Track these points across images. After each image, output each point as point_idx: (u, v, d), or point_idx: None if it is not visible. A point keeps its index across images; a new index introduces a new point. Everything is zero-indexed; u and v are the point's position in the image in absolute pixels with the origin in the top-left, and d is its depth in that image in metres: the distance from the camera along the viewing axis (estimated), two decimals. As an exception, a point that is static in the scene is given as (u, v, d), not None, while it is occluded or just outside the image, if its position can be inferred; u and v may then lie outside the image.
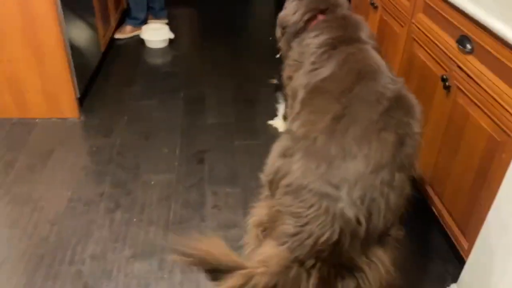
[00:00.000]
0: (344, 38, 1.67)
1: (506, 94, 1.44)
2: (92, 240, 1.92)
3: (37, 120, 2.64)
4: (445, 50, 1.77)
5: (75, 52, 2.60)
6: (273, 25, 2.11)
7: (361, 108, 1.36)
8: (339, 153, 1.24)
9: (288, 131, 1.50)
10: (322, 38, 1.71)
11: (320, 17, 1.83)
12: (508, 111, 1.43)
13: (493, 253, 1.40)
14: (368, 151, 1.24)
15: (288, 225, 1.23)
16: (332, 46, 1.65)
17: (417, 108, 1.42)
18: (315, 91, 1.54)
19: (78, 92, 2.65)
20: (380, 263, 1.28)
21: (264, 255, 1.26)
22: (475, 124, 1.60)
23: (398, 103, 1.38)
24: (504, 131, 1.46)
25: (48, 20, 2.39)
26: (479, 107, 1.58)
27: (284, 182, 1.29)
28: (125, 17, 3.78)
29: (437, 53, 1.84)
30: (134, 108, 2.80)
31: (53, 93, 2.60)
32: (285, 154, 1.37)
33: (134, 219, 2.02)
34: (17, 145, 2.45)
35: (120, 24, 3.74)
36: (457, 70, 1.70)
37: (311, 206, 1.19)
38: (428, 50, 1.91)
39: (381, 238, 1.28)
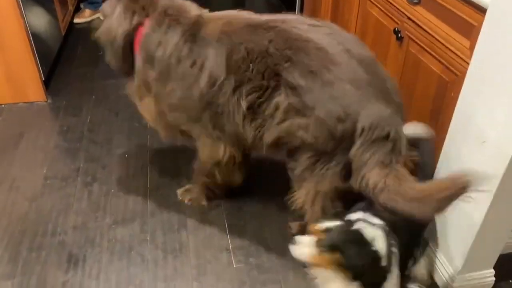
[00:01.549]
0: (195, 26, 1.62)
1: (452, 37, 1.57)
2: (72, 212, 1.96)
3: (3, 106, 2.63)
4: (395, 4, 1.89)
5: (36, 37, 2.59)
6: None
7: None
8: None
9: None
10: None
11: (147, 23, 1.66)
12: (454, 52, 1.56)
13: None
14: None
15: None
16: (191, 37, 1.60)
17: None
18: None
19: (43, 75, 2.65)
20: None
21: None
22: (426, 69, 1.73)
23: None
24: (452, 71, 1.59)
25: (6, 6, 2.38)
26: (429, 53, 1.71)
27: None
28: (81, 0, 3.74)
29: (388, 8, 1.96)
30: (100, 87, 2.82)
31: (18, 78, 2.59)
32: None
33: (112, 190, 2.08)
34: (-15, 131, 2.44)
35: (77, 8, 3.70)
36: (407, 21, 1.82)
37: None
38: (380, 6, 2.03)
39: None
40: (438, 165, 1.58)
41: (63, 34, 3.22)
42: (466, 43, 1.50)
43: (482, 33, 1.34)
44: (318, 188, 1.53)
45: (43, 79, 2.66)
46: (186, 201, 2.00)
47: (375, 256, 1.23)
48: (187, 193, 2.01)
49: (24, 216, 1.94)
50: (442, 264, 1.62)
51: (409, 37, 1.82)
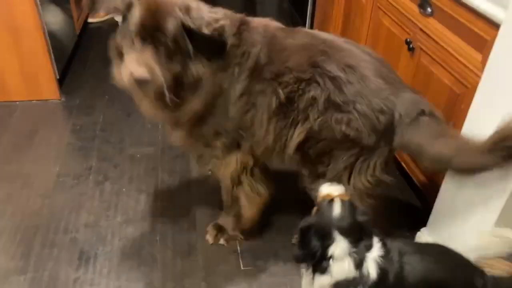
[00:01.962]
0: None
1: (464, 50, 1.59)
2: (84, 210, 2.00)
3: (17, 103, 2.67)
4: (407, 15, 1.92)
5: (51, 35, 2.64)
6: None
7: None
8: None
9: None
10: None
11: None
12: (465, 65, 1.59)
13: (455, 199, 1.57)
14: None
15: None
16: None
17: None
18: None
19: (57, 73, 2.69)
20: None
21: None
22: (437, 80, 1.76)
23: None
24: (463, 84, 1.61)
25: (25, 5, 2.43)
26: (440, 64, 1.74)
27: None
28: (96, 1, 3.80)
29: (400, 18, 1.98)
30: (113, 87, 2.78)
31: (33, 76, 2.64)
32: None
33: (124, 189, 2.11)
34: (0, 127, 2.48)
35: (92, 8, 3.76)
36: (419, 32, 1.84)
37: None
38: (392, 17, 2.05)
39: None
40: (448, 176, 1.60)
41: (78, 33, 3.27)
42: (478, 56, 1.52)
43: (495, 48, 1.36)
44: (358, 186, 1.55)
45: (58, 77, 2.71)
46: (222, 242, 1.89)
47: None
48: (220, 233, 1.90)
49: (37, 213, 1.98)
50: (447, 274, 1.64)
51: (421, 48, 1.84)
